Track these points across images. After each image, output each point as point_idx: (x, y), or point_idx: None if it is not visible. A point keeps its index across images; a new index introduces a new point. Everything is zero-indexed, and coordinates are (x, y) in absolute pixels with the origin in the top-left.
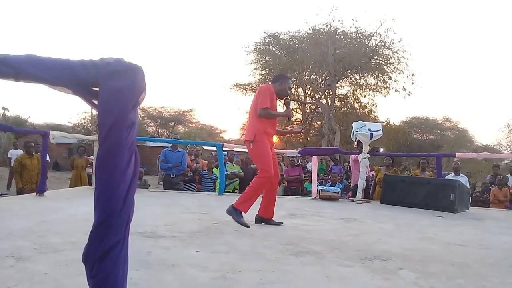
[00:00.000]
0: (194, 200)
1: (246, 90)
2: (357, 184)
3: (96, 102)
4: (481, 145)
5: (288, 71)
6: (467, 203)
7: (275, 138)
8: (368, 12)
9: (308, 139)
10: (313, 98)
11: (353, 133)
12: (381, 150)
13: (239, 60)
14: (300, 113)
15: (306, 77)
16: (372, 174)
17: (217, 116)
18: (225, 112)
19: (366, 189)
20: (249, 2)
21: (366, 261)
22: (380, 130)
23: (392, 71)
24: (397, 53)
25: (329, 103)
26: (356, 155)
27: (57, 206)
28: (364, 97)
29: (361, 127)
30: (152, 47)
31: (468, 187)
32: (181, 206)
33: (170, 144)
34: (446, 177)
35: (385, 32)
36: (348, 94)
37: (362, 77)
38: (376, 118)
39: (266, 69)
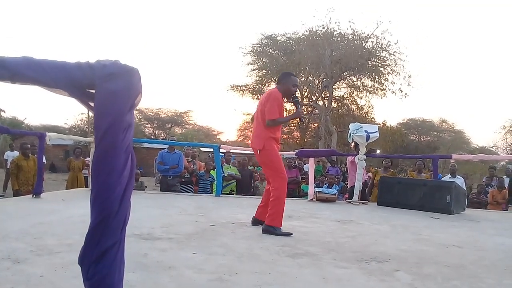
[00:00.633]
0: (191, 201)
1: (243, 92)
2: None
3: (92, 104)
4: (477, 147)
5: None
6: (463, 204)
7: None
8: (364, 14)
9: (305, 140)
10: (310, 100)
11: (350, 135)
12: (378, 151)
13: (236, 61)
14: None
15: (303, 79)
16: (369, 176)
17: (214, 118)
18: (222, 114)
19: (363, 190)
20: (246, 4)
21: (363, 262)
22: (376, 132)
23: (389, 73)
24: (394, 55)
25: (326, 105)
26: (353, 157)
27: (54, 208)
28: (361, 98)
29: (358, 129)
30: (148, 49)
31: (465, 188)
32: (178, 208)
33: (167, 146)
34: (442, 179)
35: (382, 34)
36: (345, 96)
37: (359, 79)
38: (372, 119)
39: (263, 71)
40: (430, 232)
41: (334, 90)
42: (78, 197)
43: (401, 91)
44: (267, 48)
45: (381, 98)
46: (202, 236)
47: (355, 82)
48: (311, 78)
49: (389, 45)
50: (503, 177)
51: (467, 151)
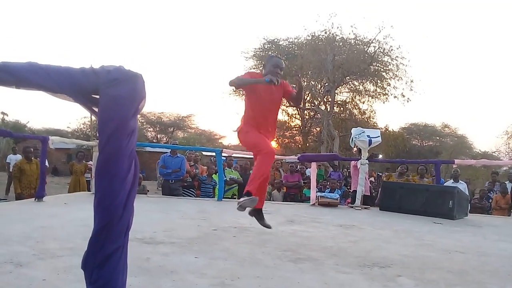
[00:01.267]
0: (193, 206)
1: None
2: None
3: (96, 109)
4: (480, 152)
5: (287, 77)
6: (466, 210)
7: (273, 143)
8: (366, 19)
9: (307, 145)
10: (312, 104)
11: (352, 139)
12: (380, 156)
13: (238, 65)
14: (299, 119)
15: (305, 83)
16: (371, 181)
17: (216, 122)
18: (225, 118)
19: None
20: (248, 8)
21: (365, 267)
22: (379, 136)
23: (391, 77)
24: (396, 60)
25: (328, 109)
26: (356, 161)
27: (56, 211)
28: (363, 103)
29: (360, 134)
30: (151, 53)
31: (467, 194)
32: (180, 212)
33: (169, 150)
34: (445, 184)
35: (384, 38)
36: (347, 101)
37: (361, 84)
38: (375, 124)
39: None
40: (432, 237)
41: (336, 94)
42: (80, 200)
43: (403, 95)
44: (270, 52)
45: (383, 102)
46: (204, 241)
47: (357, 87)
48: (313, 83)
49: (391, 49)
50: (506, 182)
51: (469, 156)
